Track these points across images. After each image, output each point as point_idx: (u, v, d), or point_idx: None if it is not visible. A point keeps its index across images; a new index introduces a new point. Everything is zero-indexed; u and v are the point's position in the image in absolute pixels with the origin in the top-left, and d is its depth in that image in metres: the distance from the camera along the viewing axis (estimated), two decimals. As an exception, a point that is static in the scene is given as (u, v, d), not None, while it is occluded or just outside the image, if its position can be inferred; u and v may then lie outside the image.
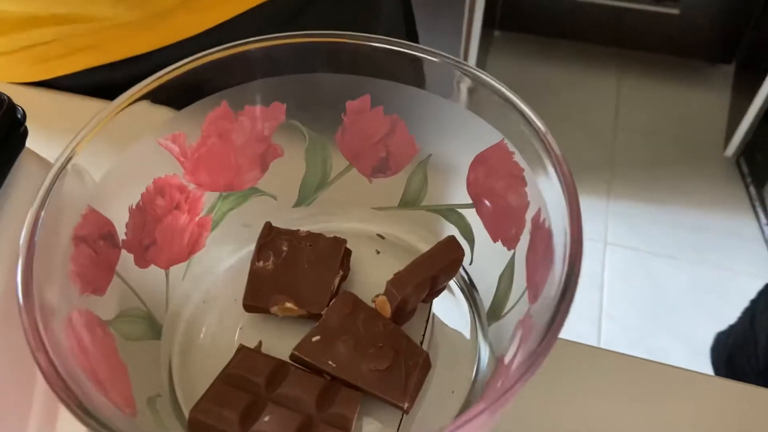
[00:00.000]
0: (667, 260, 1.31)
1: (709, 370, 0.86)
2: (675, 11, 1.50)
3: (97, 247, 0.23)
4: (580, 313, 1.20)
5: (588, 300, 1.23)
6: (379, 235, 0.31)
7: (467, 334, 0.27)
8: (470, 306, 0.28)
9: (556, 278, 0.20)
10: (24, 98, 0.28)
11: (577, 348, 0.30)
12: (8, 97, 0.26)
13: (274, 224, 0.29)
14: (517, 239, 0.25)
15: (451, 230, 0.29)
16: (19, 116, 0.26)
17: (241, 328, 0.28)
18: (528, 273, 0.24)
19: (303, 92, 0.28)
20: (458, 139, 0.27)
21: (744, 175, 1.42)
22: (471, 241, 0.28)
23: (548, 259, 0.21)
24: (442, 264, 0.26)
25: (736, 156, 1.44)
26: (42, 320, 0.18)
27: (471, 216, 0.28)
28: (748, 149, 1.41)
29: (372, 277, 0.29)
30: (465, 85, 0.25)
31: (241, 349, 0.25)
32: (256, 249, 0.28)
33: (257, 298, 0.27)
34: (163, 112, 0.25)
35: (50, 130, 0.31)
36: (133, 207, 0.25)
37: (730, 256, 1.31)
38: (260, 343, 0.27)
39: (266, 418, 0.23)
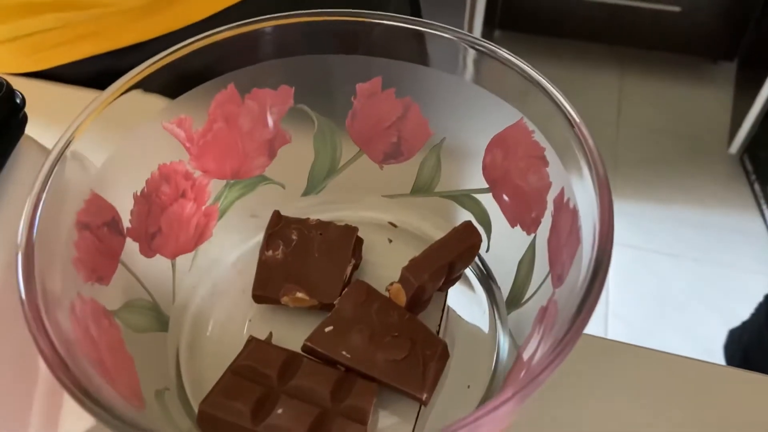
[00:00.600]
0: (671, 258, 1.30)
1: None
2: (676, 9, 1.49)
3: (101, 235, 0.22)
4: (585, 312, 1.19)
5: (593, 299, 1.21)
6: (391, 223, 0.30)
7: (485, 323, 0.26)
8: (487, 294, 0.27)
9: (584, 259, 0.19)
10: (24, 89, 0.28)
11: (586, 340, 0.29)
12: (7, 82, 0.25)
13: (282, 213, 0.28)
14: (537, 222, 0.24)
15: (467, 217, 0.28)
16: (18, 101, 0.25)
17: (250, 320, 0.27)
18: (550, 256, 0.23)
19: (312, 75, 0.27)
20: (473, 121, 0.26)
21: (748, 172, 1.41)
22: (488, 227, 0.27)
23: (574, 239, 0.20)
24: (459, 250, 0.25)
25: (740, 153, 1.43)
26: (44, 307, 0.17)
27: (487, 201, 0.27)
28: (751, 146, 1.40)
29: (384, 266, 0.28)
30: (479, 61, 0.24)
31: (252, 340, 0.24)
32: (264, 238, 0.27)
33: (267, 288, 0.26)
34: (162, 99, 0.24)
35: (51, 121, 0.30)
36: (138, 194, 0.24)
37: (734, 254, 1.31)
38: (270, 334, 0.26)
39: (279, 411, 0.22)
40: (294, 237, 0.27)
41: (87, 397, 0.16)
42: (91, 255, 0.21)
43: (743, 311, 0.85)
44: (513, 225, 0.26)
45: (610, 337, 0.30)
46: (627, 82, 1.62)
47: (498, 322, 0.26)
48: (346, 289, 0.25)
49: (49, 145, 0.27)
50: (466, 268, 0.27)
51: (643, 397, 0.27)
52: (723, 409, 0.27)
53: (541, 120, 0.23)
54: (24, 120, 0.25)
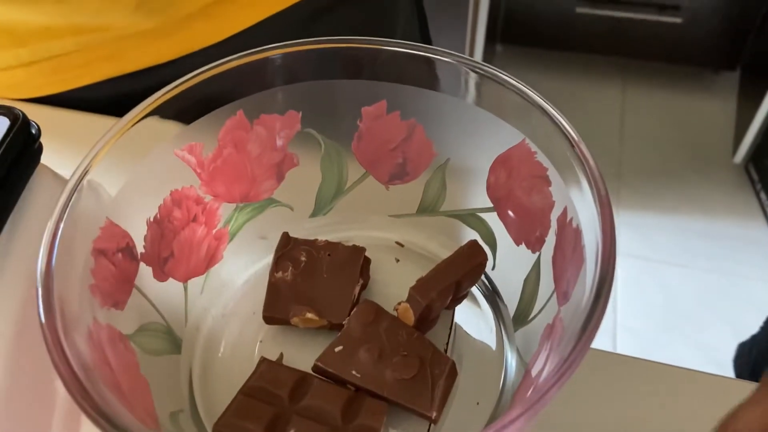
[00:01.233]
0: (679, 269, 1.30)
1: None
2: (677, 20, 1.50)
3: (116, 261, 0.23)
4: (593, 324, 1.19)
5: (601, 311, 1.21)
6: (398, 243, 0.30)
7: (492, 340, 0.27)
8: (494, 312, 0.28)
9: (588, 277, 0.19)
10: (38, 116, 0.28)
11: (595, 354, 0.29)
12: (23, 113, 0.25)
13: (291, 235, 0.29)
14: (542, 241, 0.24)
15: (472, 235, 0.28)
16: (33, 131, 0.25)
17: (261, 341, 0.27)
18: (555, 274, 0.23)
19: (318, 100, 0.27)
20: (477, 142, 0.26)
21: (754, 181, 1.41)
22: (493, 245, 0.28)
23: (578, 258, 0.21)
24: (465, 269, 0.26)
25: (745, 162, 1.44)
26: (64, 333, 0.18)
27: (492, 220, 0.27)
28: (756, 155, 1.40)
29: (392, 285, 0.29)
30: (481, 84, 0.25)
31: (263, 361, 0.25)
32: (274, 260, 0.28)
33: (277, 309, 0.27)
34: (175, 125, 0.25)
35: (65, 147, 0.31)
36: (151, 220, 0.25)
37: (743, 263, 1.30)
38: (281, 355, 0.26)
39: (292, 431, 0.22)
40: (303, 258, 0.28)
41: (105, 420, 0.17)
42: (107, 281, 0.22)
43: (753, 320, 0.84)
44: (518, 243, 0.26)
45: (619, 349, 0.30)
46: (630, 94, 1.63)
47: (505, 339, 0.27)
48: (354, 309, 0.26)
49: (62, 170, 0.28)
50: (472, 286, 0.27)
51: (653, 411, 0.27)
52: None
53: (543, 140, 0.23)
54: (39, 150, 0.26)
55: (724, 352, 0.92)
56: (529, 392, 0.20)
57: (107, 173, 0.23)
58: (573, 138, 0.22)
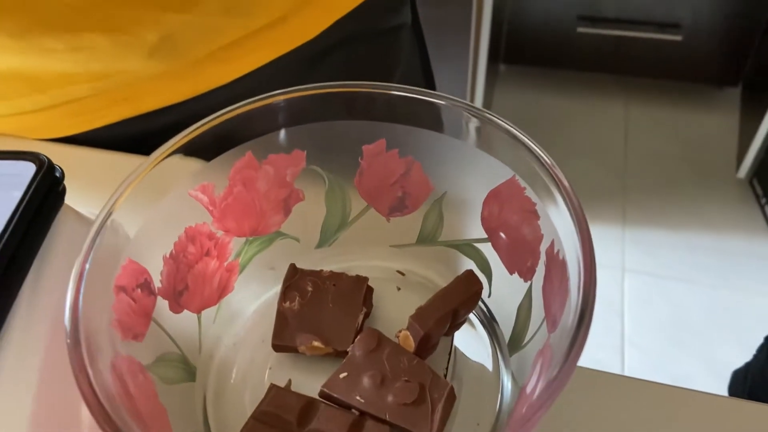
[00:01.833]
0: (685, 284, 1.30)
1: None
2: (677, 38, 1.52)
3: (136, 296, 0.24)
4: (602, 340, 1.20)
5: (609, 327, 1.22)
6: (399, 272, 0.32)
7: (489, 365, 0.28)
8: (491, 338, 0.29)
9: (572, 307, 0.21)
10: (59, 153, 0.30)
11: (602, 377, 0.30)
12: (48, 159, 0.27)
13: (298, 266, 0.30)
14: (533, 271, 0.26)
15: (469, 264, 0.30)
16: (57, 175, 0.27)
17: (270, 368, 0.29)
18: (545, 303, 0.25)
19: (322, 139, 0.29)
20: (471, 177, 0.28)
21: (758, 195, 1.41)
22: (488, 274, 0.29)
23: (564, 288, 0.22)
24: (461, 298, 0.27)
25: (749, 177, 1.44)
26: (90, 366, 0.20)
27: (487, 250, 0.29)
28: (760, 170, 1.41)
29: (394, 312, 0.30)
30: (474, 125, 0.27)
31: (272, 387, 0.26)
32: (282, 290, 0.29)
33: (285, 337, 0.28)
34: (192, 164, 0.27)
35: (86, 185, 0.33)
36: (167, 256, 0.27)
37: (749, 278, 1.31)
38: (290, 381, 0.28)
39: (300, 454, 0.24)
40: (309, 288, 0.30)
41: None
42: (127, 315, 0.24)
43: (760, 335, 0.85)
44: (511, 272, 0.28)
45: (626, 365, 0.31)
46: (633, 111, 1.65)
47: (502, 363, 0.28)
48: (358, 337, 0.27)
49: (81, 207, 0.30)
50: (469, 313, 0.29)
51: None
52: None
53: (531, 177, 0.25)
54: (63, 192, 0.27)
55: (731, 366, 0.92)
56: (523, 411, 0.21)
57: (127, 213, 0.25)
58: (559, 179, 0.23)
